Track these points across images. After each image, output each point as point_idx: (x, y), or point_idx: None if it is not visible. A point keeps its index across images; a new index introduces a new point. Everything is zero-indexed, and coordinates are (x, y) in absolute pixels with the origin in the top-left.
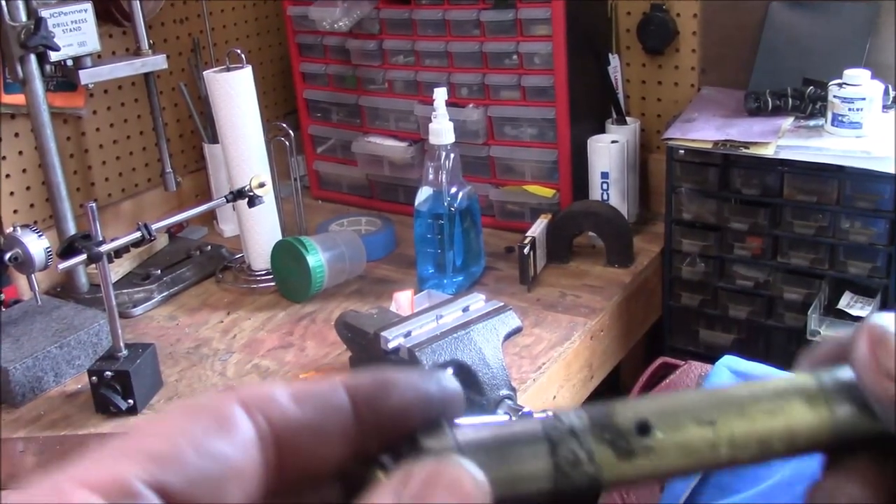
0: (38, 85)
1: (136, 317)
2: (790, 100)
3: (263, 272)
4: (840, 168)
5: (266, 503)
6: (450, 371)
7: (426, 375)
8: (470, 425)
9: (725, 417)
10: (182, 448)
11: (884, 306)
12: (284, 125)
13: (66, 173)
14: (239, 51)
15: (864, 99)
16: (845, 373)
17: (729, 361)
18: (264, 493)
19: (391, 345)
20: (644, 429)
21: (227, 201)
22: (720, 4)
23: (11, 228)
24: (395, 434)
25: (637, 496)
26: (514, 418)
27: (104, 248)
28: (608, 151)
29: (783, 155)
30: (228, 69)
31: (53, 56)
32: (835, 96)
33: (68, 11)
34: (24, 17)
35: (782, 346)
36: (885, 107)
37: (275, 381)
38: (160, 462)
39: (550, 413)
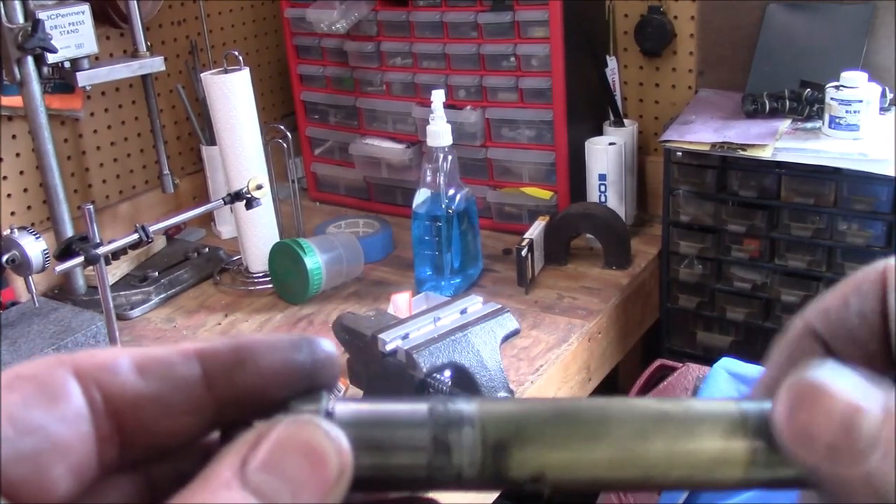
0: (35, 87)
1: (133, 319)
2: (787, 102)
3: (261, 274)
4: (837, 170)
5: (108, 476)
6: (330, 344)
7: (297, 343)
8: (351, 399)
9: (630, 460)
10: None
11: None
12: (282, 127)
13: (64, 175)
14: (236, 53)
15: (861, 101)
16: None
17: (726, 363)
18: (102, 468)
19: (389, 347)
20: (538, 480)
21: (225, 203)
22: (717, 6)
23: (9, 230)
24: (257, 406)
25: (635, 497)
26: (405, 400)
27: (101, 250)
28: (606, 153)
29: (780, 157)
30: (226, 71)
31: (51, 58)
32: (832, 98)
33: (66, 13)
34: (21, 19)
35: None
36: (882, 109)
37: (119, 348)
38: None
39: (442, 401)
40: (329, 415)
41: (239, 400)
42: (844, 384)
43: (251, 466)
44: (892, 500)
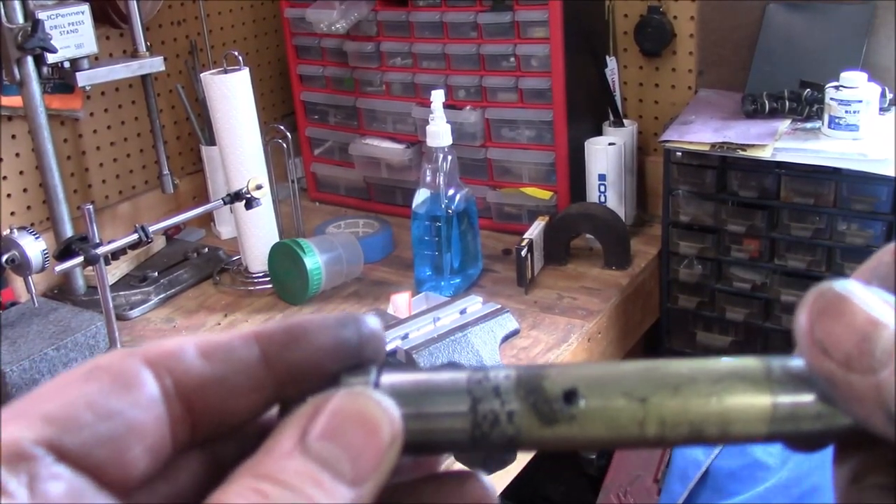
0: (35, 87)
1: (133, 319)
2: (787, 102)
3: (261, 274)
4: (837, 170)
5: (181, 454)
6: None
7: (344, 320)
8: (397, 370)
9: (658, 396)
10: (78, 409)
11: None
12: (282, 127)
13: (64, 175)
14: (236, 53)
15: (860, 101)
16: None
17: None
18: (175, 447)
19: (388, 347)
20: (571, 397)
21: (225, 203)
22: (717, 6)
23: (8, 230)
24: (314, 381)
25: (635, 497)
26: (444, 368)
27: (101, 250)
28: (605, 153)
29: (780, 157)
30: (226, 71)
31: (51, 58)
32: (832, 98)
33: (65, 13)
34: (21, 19)
35: (780, 349)
36: (881, 109)
37: (184, 337)
38: (55, 424)
39: (480, 368)
40: (377, 386)
41: (295, 376)
42: (867, 298)
43: (311, 436)
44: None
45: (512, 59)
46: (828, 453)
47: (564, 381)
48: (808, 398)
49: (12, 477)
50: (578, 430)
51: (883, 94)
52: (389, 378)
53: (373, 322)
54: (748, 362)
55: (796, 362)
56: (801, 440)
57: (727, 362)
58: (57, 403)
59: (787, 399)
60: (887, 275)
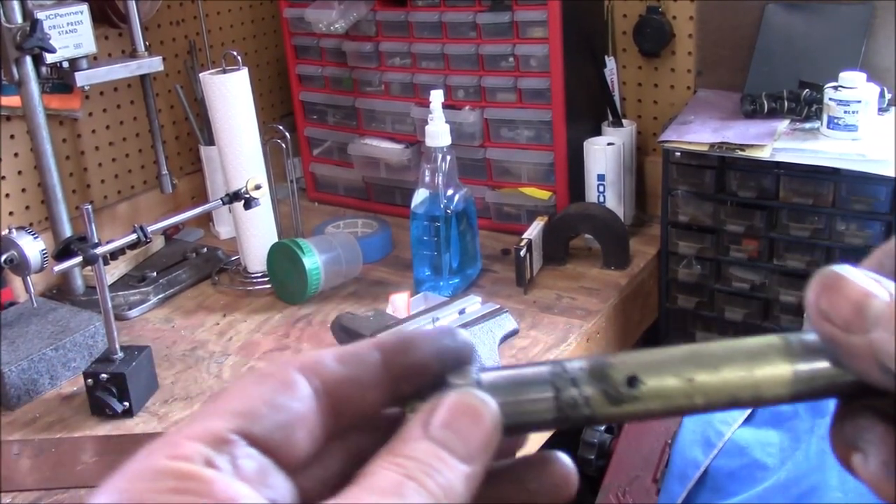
0: (33, 87)
1: (131, 319)
2: (786, 102)
3: (259, 274)
4: (836, 170)
5: (330, 444)
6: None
7: (443, 332)
8: (491, 368)
9: (702, 375)
10: (258, 405)
11: None
12: (281, 127)
13: (62, 175)
14: (235, 53)
15: (859, 101)
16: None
17: None
18: (326, 436)
19: None
20: (633, 382)
21: (224, 203)
22: (716, 6)
23: (7, 230)
24: (423, 379)
25: (634, 497)
26: (527, 365)
27: (100, 250)
28: (604, 154)
29: (779, 157)
30: (225, 71)
31: (49, 58)
32: (830, 99)
33: (64, 13)
34: (19, 19)
35: None
36: (880, 109)
37: (324, 349)
38: (242, 417)
39: (557, 363)
40: (479, 384)
41: (408, 375)
42: (860, 277)
43: (433, 426)
44: (886, 362)
45: (511, 59)
46: (825, 455)
47: (627, 368)
48: (820, 364)
49: (219, 456)
50: (641, 407)
51: (882, 95)
52: (487, 376)
53: (465, 333)
54: (771, 339)
55: (810, 336)
56: (817, 396)
57: (754, 341)
58: (240, 402)
59: (804, 366)
60: (890, 265)
